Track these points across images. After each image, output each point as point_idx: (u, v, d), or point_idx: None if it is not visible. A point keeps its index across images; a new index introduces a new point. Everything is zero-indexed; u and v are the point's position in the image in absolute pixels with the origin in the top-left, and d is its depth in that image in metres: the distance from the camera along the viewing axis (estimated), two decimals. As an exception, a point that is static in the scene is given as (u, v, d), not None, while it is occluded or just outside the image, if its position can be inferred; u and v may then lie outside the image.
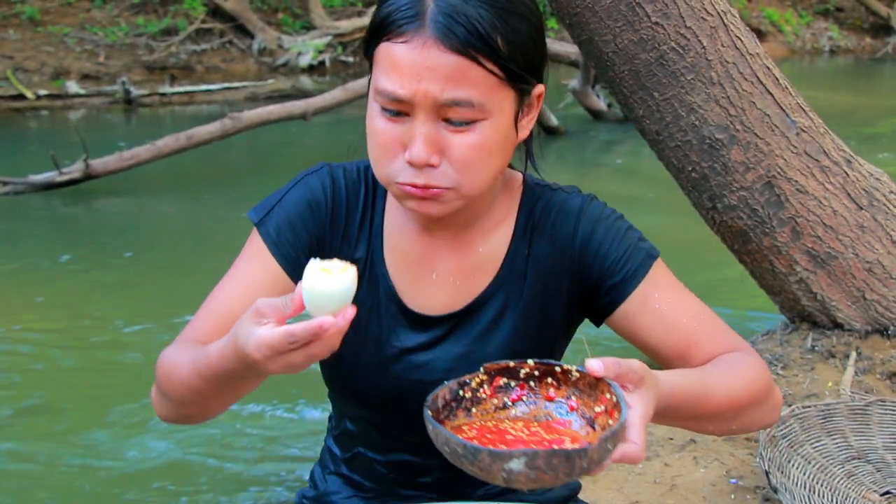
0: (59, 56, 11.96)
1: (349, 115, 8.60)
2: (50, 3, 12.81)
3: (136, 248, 5.92)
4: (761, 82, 2.88)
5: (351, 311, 1.03)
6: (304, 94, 10.11)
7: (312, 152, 8.23)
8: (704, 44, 2.81)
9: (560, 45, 8.72)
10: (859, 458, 2.26)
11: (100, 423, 3.60)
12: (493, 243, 1.36)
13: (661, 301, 1.32)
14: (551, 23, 12.16)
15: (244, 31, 13.15)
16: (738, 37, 2.86)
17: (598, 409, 1.09)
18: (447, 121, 1.18)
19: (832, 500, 2.09)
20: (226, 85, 11.51)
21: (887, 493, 2.13)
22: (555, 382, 1.14)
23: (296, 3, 14.11)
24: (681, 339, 1.32)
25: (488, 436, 1.10)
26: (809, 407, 2.37)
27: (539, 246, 1.35)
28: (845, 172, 2.99)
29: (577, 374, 1.12)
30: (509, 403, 1.15)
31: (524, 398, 1.15)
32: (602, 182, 7.45)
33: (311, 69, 12.79)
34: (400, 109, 1.19)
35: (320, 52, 12.98)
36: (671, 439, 2.58)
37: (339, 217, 1.36)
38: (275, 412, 3.61)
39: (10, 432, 3.60)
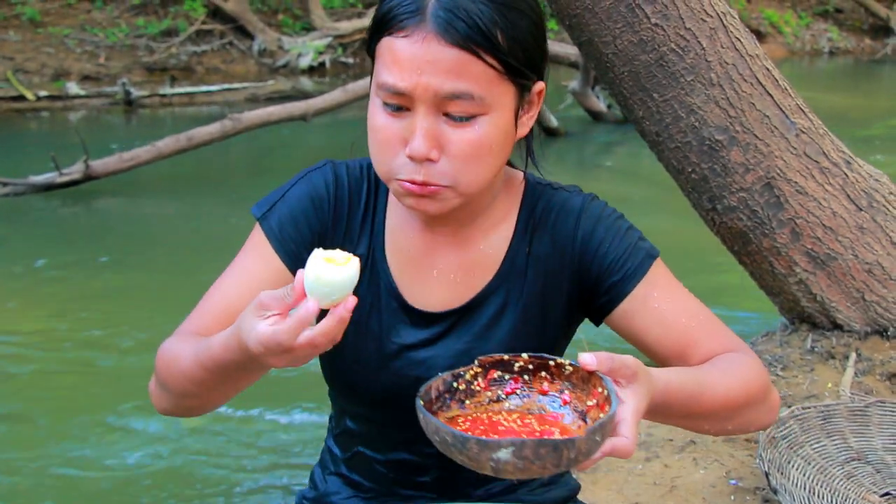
0: (60, 57, 11.96)
1: (349, 117, 8.61)
2: (50, 5, 12.82)
3: (136, 249, 5.92)
4: (761, 84, 2.88)
5: (352, 301, 1.04)
6: (305, 95, 10.12)
7: (312, 153, 8.23)
8: (704, 45, 2.81)
9: (560, 46, 8.73)
10: (859, 460, 2.26)
11: (94, 428, 3.58)
12: (494, 241, 1.37)
13: (659, 300, 1.32)
14: (551, 24, 12.17)
15: (244, 33, 13.16)
16: (737, 38, 2.86)
17: (590, 403, 1.10)
18: (447, 116, 1.19)
19: (832, 502, 2.09)
20: (226, 86, 11.51)
21: (887, 494, 2.13)
22: (548, 376, 1.15)
23: (296, 4, 14.12)
24: (679, 338, 1.32)
25: (481, 427, 1.11)
26: (809, 408, 2.37)
27: (540, 244, 1.36)
28: (845, 174, 3.00)
29: (571, 369, 1.13)
30: (503, 396, 1.16)
31: (518, 391, 1.16)
32: (602, 183, 7.45)
33: (311, 70, 12.80)
34: (400, 104, 1.20)
35: (320, 53, 12.99)
36: (671, 440, 2.58)
37: (342, 213, 1.36)
38: (268, 416, 3.60)
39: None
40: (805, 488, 2.11)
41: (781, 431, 2.26)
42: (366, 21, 13.13)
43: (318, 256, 1.05)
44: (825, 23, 17.14)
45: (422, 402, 1.08)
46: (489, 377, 1.17)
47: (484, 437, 0.99)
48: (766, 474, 2.12)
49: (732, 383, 1.27)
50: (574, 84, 9.14)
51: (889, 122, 9.78)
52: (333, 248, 1.28)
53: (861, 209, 2.99)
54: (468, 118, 1.19)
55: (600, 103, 9.31)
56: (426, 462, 1.40)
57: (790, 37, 16.44)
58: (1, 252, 5.77)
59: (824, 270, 3.01)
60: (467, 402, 1.15)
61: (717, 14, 2.82)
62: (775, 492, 2.09)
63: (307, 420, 3.58)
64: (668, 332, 1.32)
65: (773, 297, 3.23)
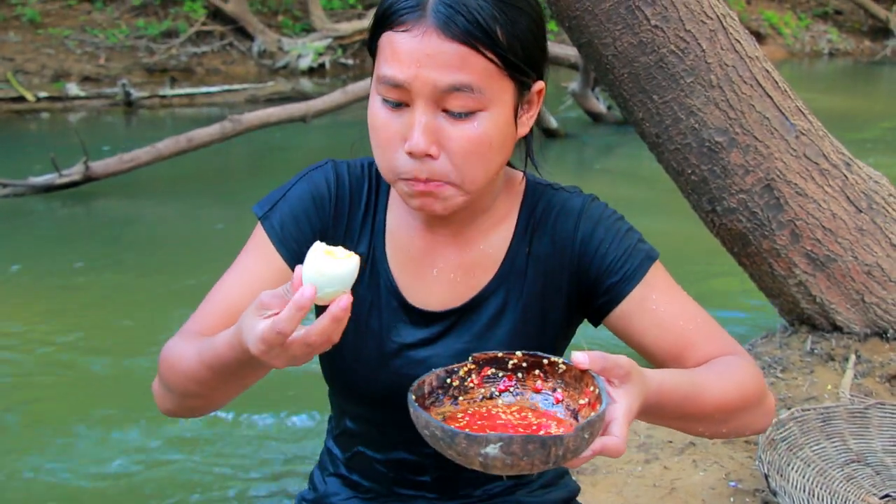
0: (60, 58, 11.97)
1: (349, 118, 8.61)
2: (50, 6, 12.82)
3: (136, 251, 5.92)
4: (760, 85, 2.88)
5: (346, 300, 1.03)
6: (304, 96, 10.12)
7: (312, 154, 8.22)
8: (704, 47, 2.81)
9: (560, 47, 8.73)
10: (858, 462, 2.26)
11: (92, 431, 3.56)
12: (494, 241, 1.37)
13: (658, 303, 1.33)
14: (551, 25, 12.18)
15: (244, 34, 13.16)
16: (737, 40, 2.86)
17: (581, 402, 1.10)
18: (447, 112, 1.20)
19: None
20: (226, 87, 11.51)
21: (887, 496, 2.13)
22: (542, 374, 1.16)
23: (296, 5, 14.12)
24: (676, 341, 1.32)
25: (479, 422, 1.12)
26: (809, 410, 2.37)
27: (540, 244, 1.36)
28: (844, 175, 3.00)
29: (564, 367, 1.14)
30: (496, 393, 1.17)
31: (511, 389, 1.17)
32: (601, 184, 7.45)
33: (311, 71, 12.80)
34: (399, 99, 1.20)
35: (320, 54, 12.99)
36: (670, 442, 2.58)
37: (342, 212, 1.37)
38: (266, 419, 3.59)
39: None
40: (805, 490, 2.11)
41: (781, 433, 2.26)
42: (365, 22, 13.13)
43: (319, 249, 1.05)
44: (825, 24, 17.15)
45: (414, 398, 1.08)
46: (483, 374, 1.18)
47: (473, 433, 1.00)
48: (766, 476, 2.12)
49: (728, 386, 1.28)
50: (574, 85, 9.14)
51: (888, 123, 9.77)
52: (334, 246, 1.28)
53: (861, 211, 2.99)
54: (468, 114, 1.20)
55: (600, 105, 9.31)
56: (425, 462, 1.41)
57: (790, 38, 16.45)
58: (0, 254, 5.77)
59: (824, 272, 3.01)
60: (460, 398, 1.16)
61: (717, 16, 2.83)
62: (775, 494, 2.09)
63: (304, 424, 3.57)
64: (666, 335, 1.32)
65: (772, 299, 3.23)
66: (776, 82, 2.93)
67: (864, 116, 10.12)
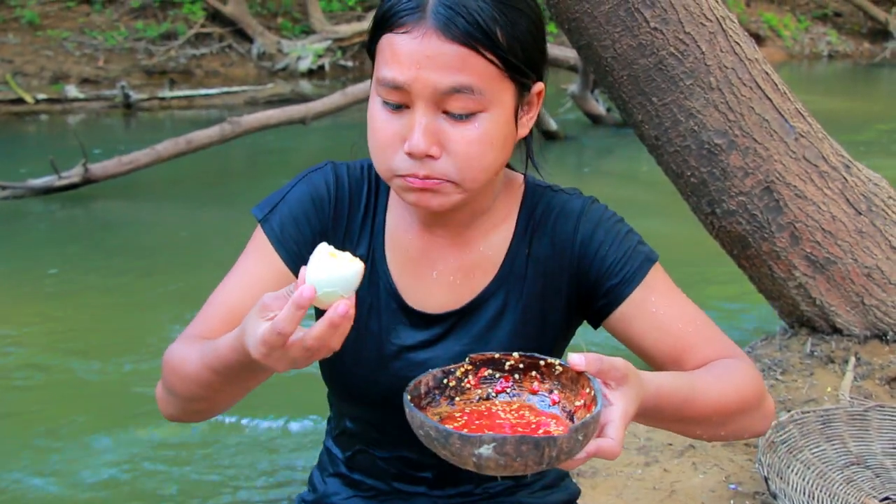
0: (59, 60, 11.97)
1: (348, 120, 8.61)
2: (49, 8, 12.82)
3: (135, 252, 5.92)
4: (760, 87, 2.88)
5: (343, 306, 1.02)
6: (304, 98, 10.12)
7: (312, 157, 8.23)
8: (703, 49, 2.81)
9: (559, 49, 8.73)
10: (858, 464, 2.26)
11: (89, 435, 3.54)
12: (493, 243, 1.37)
13: (657, 305, 1.33)
14: (550, 27, 12.16)
15: (244, 36, 13.17)
16: (736, 42, 2.86)
17: (577, 404, 1.10)
18: (447, 114, 1.20)
19: (831, 506, 2.09)
20: (225, 89, 11.51)
21: (886, 498, 2.12)
22: (539, 376, 1.16)
23: (295, 7, 14.13)
24: (675, 343, 1.32)
25: (478, 421, 1.12)
26: (808, 412, 2.37)
27: (539, 246, 1.36)
28: (844, 177, 3.00)
29: (561, 369, 1.14)
30: (493, 394, 1.17)
31: (508, 390, 1.17)
32: (600, 186, 7.45)
33: (310, 73, 12.80)
34: (400, 101, 1.20)
35: (320, 56, 12.99)
36: (670, 445, 2.58)
37: (342, 213, 1.37)
38: (263, 422, 3.58)
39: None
40: (804, 493, 2.11)
41: (781, 436, 2.26)
42: (365, 24, 13.13)
43: (323, 250, 1.04)
44: (824, 26, 17.16)
45: (409, 398, 1.08)
46: (480, 375, 1.18)
47: (466, 433, 1.00)
48: (766, 479, 2.12)
49: (726, 389, 1.27)
50: (573, 87, 9.15)
51: (888, 125, 9.78)
52: (336, 248, 1.28)
53: (860, 213, 2.99)
54: (468, 115, 1.20)
55: (599, 107, 9.31)
56: (426, 459, 1.41)
57: (789, 40, 16.46)
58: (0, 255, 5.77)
59: (823, 274, 3.01)
60: (457, 399, 1.17)
61: (717, 18, 2.83)
62: (775, 496, 2.09)
63: (302, 428, 3.56)
64: (665, 337, 1.32)
65: (772, 301, 3.23)
66: (776, 84, 2.93)
67: (864, 118, 10.12)
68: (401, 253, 1.37)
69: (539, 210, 1.38)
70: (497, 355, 1.17)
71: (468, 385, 1.17)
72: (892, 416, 2.36)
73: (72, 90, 11.06)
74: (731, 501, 2.33)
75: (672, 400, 1.20)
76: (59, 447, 3.48)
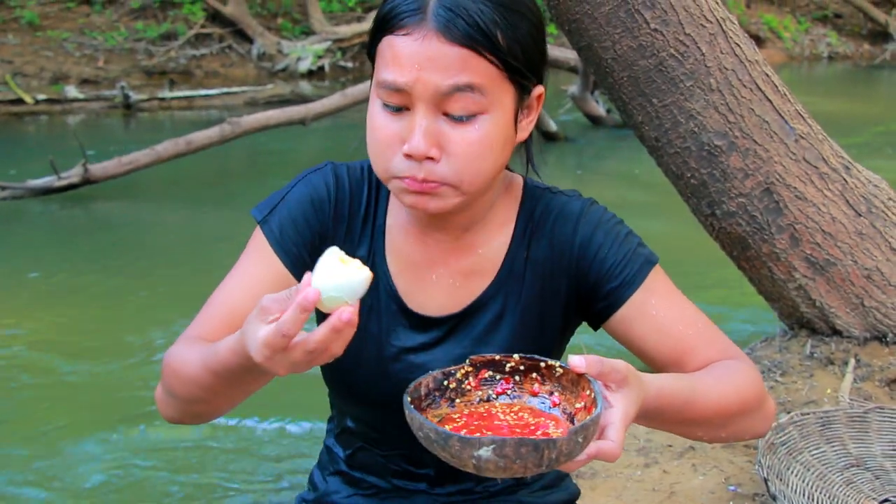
0: (59, 61, 11.97)
1: (348, 121, 8.61)
2: (49, 8, 12.82)
3: (135, 253, 5.92)
4: (760, 89, 2.88)
5: (347, 312, 1.01)
6: (304, 99, 10.13)
7: (311, 157, 8.23)
8: (703, 50, 2.81)
9: (559, 50, 8.73)
10: (858, 466, 2.26)
11: (65, 442, 3.53)
12: (492, 245, 1.37)
13: (657, 307, 1.32)
14: (550, 28, 12.16)
15: (243, 36, 13.17)
16: (737, 43, 2.86)
17: (578, 406, 1.10)
18: (448, 116, 1.20)
19: (831, 508, 2.09)
20: (225, 90, 11.51)
21: (886, 500, 2.12)
22: (539, 378, 1.16)
23: (295, 8, 14.13)
24: (676, 345, 1.32)
25: (476, 422, 1.12)
26: (808, 414, 2.37)
27: (538, 248, 1.36)
28: (844, 179, 3.00)
29: (561, 371, 1.14)
30: (493, 396, 1.17)
31: (508, 392, 1.17)
32: (600, 188, 7.45)
33: (310, 74, 12.80)
34: (400, 103, 1.20)
35: (320, 57, 12.99)
36: (670, 446, 2.58)
37: (343, 214, 1.37)
38: (261, 424, 3.57)
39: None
40: (804, 494, 2.10)
41: (780, 437, 2.25)
42: (365, 25, 13.14)
43: (333, 254, 1.03)
44: (824, 28, 17.16)
45: (409, 399, 1.08)
46: (480, 377, 1.18)
47: (466, 435, 1.00)
48: (765, 480, 2.12)
49: (727, 391, 1.27)
50: (573, 89, 9.15)
51: (888, 127, 9.78)
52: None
53: (860, 215, 2.99)
54: (469, 117, 1.20)
55: (599, 108, 9.32)
56: (427, 458, 1.40)
57: (789, 42, 16.46)
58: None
59: (823, 276, 3.01)
60: (457, 400, 1.16)
61: (717, 19, 2.83)
62: (774, 498, 2.09)
63: (301, 427, 3.56)
64: (666, 340, 1.32)
65: (772, 303, 3.22)
66: (776, 86, 2.93)
67: (864, 120, 10.12)
68: (401, 255, 1.37)
69: (538, 212, 1.37)
70: (497, 357, 1.17)
71: (469, 387, 1.17)
72: (892, 417, 2.36)
73: (71, 91, 11.06)
74: (731, 503, 2.33)
75: (673, 402, 1.19)
76: (56, 449, 3.47)
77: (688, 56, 2.81)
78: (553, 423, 1.11)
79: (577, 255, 1.34)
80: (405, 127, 1.21)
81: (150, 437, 3.48)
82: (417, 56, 1.17)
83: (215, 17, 13.19)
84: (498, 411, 1.14)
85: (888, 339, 3.04)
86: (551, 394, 1.14)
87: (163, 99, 11.13)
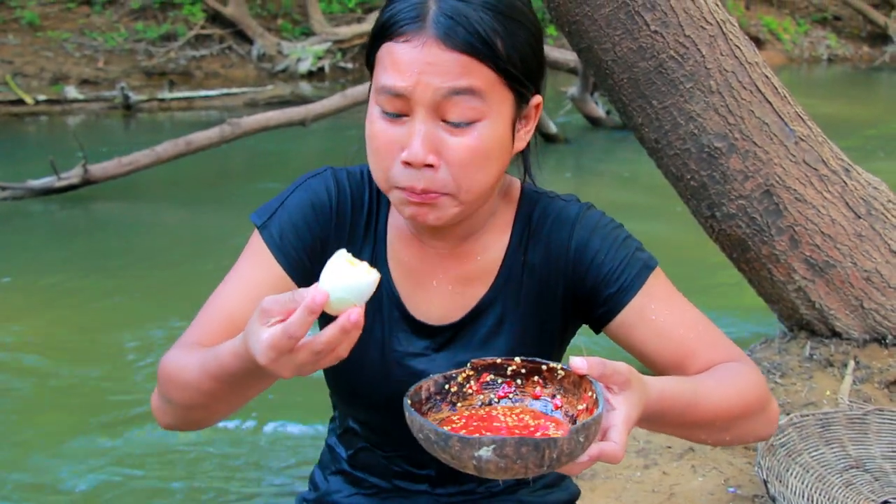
0: (59, 61, 11.97)
1: (348, 122, 8.61)
2: (49, 9, 12.82)
3: (135, 254, 5.92)
4: (760, 91, 2.88)
5: (355, 313, 1.01)
6: (304, 100, 10.13)
7: (311, 158, 8.24)
8: (703, 52, 2.81)
9: (559, 52, 8.74)
10: (857, 468, 2.26)
11: (83, 442, 3.52)
12: (490, 251, 1.37)
13: (657, 312, 1.32)
14: (550, 30, 12.16)
15: (243, 37, 13.17)
16: (737, 46, 2.86)
17: (580, 408, 1.10)
18: (446, 121, 1.20)
19: (830, 509, 2.09)
20: (225, 91, 11.51)
21: (885, 502, 2.12)
22: (541, 381, 1.16)
23: (295, 9, 14.13)
24: (677, 349, 1.32)
25: (476, 423, 1.12)
26: (808, 416, 2.37)
27: (534, 252, 1.36)
28: (843, 181, 3.00)
29: (563, 373, 1.14)
30: (495, 400, 1.17)
31: (510, 395, 1.17)
32: (600, 189, 7.46)
33: (310, 75, 12.80)
34: (399, 110, 1.20)
35: (320, 58, 12.99)
36: (669, 448, 2.58)
37: (344, 219, 1.37)
38: (259, 425, 3.56)
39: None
40: (804, 496, 2.11)
41: (780, 439, 2.26)
42: (365, 26, 13.14)
43: (342, 256, 1.03)
44: (823, 30, 17.17)
45: (410, 402, 1.08)
46: (482, 380, 1.17)
47: (466, 436, 1.00)
48: (765, 482, 2.12)
49: (729, 393, 1.27)
50: (573, 90, 9.15)
51: (887, 129, 9.78)
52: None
53: (860, 217, 2.99)
54: (467, 123, 1.20)
55: (599, 109, 9.32)
56: (427, 458, 1.41)
57: (789, 44, 16.46)
58: (-1, 256, 5.77)
59: (823, 278, 3.01)
60: (459, 404, 1.16)
61: (717, 21, 2.83)
62: (774, 500, 2.09)
63: (301, 428, 3.55)
64: (667, 344, 1.32)
65: (771, 305, 3.23)
66: (776, 88, 2.93)
67: (863, 122, 10.13)
68: (401, 261, 1.37)
69: (535, 217, 1.37)
70: (499, 360, 1.17)
71: (470, 390, 1.17)
72: (892, 419, 2.36)
73: (71, 91, 11.06)
74: (730, 504, 2.33)
75: (675, 405, 1.19)
76: (54, 452, 3.47)
77: (688, 58, 2.81)
78: (554, 425, 1.11)
79: (573, 259, 1.34)
80: (404, 134, 1.20)
81: (150, 439, 3.48)
82: (417, 62, 1.17)
83: (215, 17, 13.18)
84: (499, 413, 1.14)
85: (887, 340, 3.04)
86: (553, 396, 1.14)
87: (163, 100, 11.13)
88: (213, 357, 1.17)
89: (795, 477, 2.16)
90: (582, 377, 1.10)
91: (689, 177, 2.97)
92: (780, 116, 2.91)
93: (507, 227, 1.37)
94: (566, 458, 1.00)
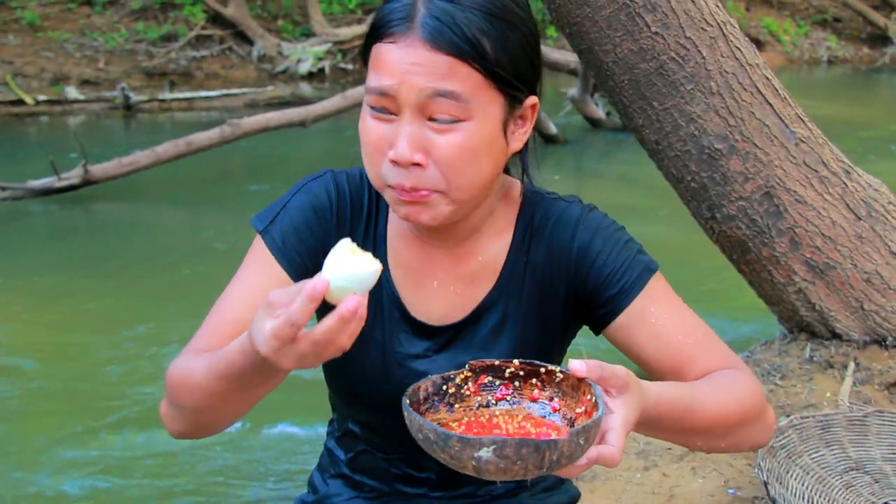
0: (59, 62, 11.97)
1: (348, 123, 8.60)
2: (50, 9, 12.82)
3: (135, 254, 5.92)
4: (760, 93, 2.88)
5: (353, 301, 1.00)
6: (304, 101, 10.13)
7: (312, 159, 8.24)
8: (704, 54, 2.81)
9: (559, 53, 8.74)
10: (857, 469, 2.26)
11: (83, 444, 3.51)
12: (492, 252, 1.37)
13: (657, 315, 1.32)
14: (550, 31, 12.16)
15: (244, 38, 13.17)
16: (737, 47, 2.86)
17: (578, 411, 1.10)
18: (433, 120, 1.20)
19: (830, 511, 2.09)
20: (225, 91, 11.51)
21: (885, 504, 2.13)
22: (539, 383, 1.16)
23: (296, 10, 14.13)
24: (675, 354, 1.32)
25: (476, 429, 1.12)
26: (808, 417, 2.37)
27: (536, 253, 1.36)
28: (844, 183, 3.00)
29: (561, 376, 1.14)
30: (492, 402, 1.17)
31: (508, 397, 1.17)
32: (600, 191, 7.46)
33: (310, 76, 12.81)
34: (386, 106, 1.21)
35: (320, 59, 13.00)
36: (669, 449, 2.58)
37: (345, 221, 1.37)
38: (259, 427, 3.55)
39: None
40: (804, 498, 2.10)
41: (780, 441, 2.25)
42: (365, 27, 13.12)
43: (345, 245, 1.03)
44: (824, 32, 17.16)
45: (408, 402, 1.08)
46: (479, 382, 1.17)
47: (466, 436, 0.99)
48: (765, 484, 2.12)
49: (727, 400, 1.27)
50: (573, 91, 9.15)
51: (888, 130, 9.78)
52: None
53: (860, 218, 2.99)
54: (452, 122, 1.20)
55: (599, 111, 9.32)
56: (428, 462, 1.41)
57: (789, 45, 16.46)
58: (-1, 256, 5.77)
59: (823, 280, 3.01)
60: (456, 405, 1.16)
61: (718, 23, 2.83)
62: (774, 501, 2.08)
63: (300, 430, 3.55)
64: (665, 348, 1.32)
65: (771, 306, 3.22)
66: (776, 90, 2.93)
67: (864, 124, 10.12)
68: (402, 262, 1.38)
69: (537, 218, 1.37)
70: (497, 362, 1.17)
71: (468, 392, 1.17)
72: (892, 421, 2.36)
73: (72, 92, 11.07)
74: (730, 506, 2.33)
75: (672, 410, 1.19)
76: (54, 452, 3.47)
77: (688, 59, 2.81)
78: (555, 432, 1.11)
79: (574, 260, 1.34)
80: (393, 132, 1.21)
81: (149, 442, 3.48)
82: (403, 62, 1.18)
83: (216, 18, 13.19)
84: (499, 421, 1.14)
85: (888, 342, 3.04)
86: (551, 399, 1.14)
87: (163, 100, 11.14)
88: (221, 356, 1.17)
89: (795, 479, 2.16)
90: (580, 380, 1.09)
91: (689, 178, 2.97)
92: (780, 118, 2.91)
93: (508, 227, 1.37)
94: (566, 461, 1.00)
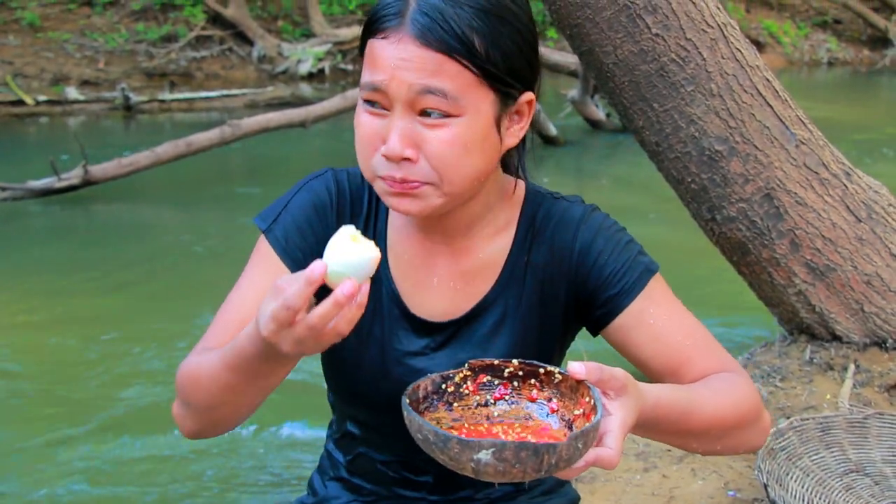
0: (59, 62, 11.97)
1: (348, 123, 8.52)
2: (50, 10, 12.83)
3: (134, 255, 5.92)
4: (761, 94, 2.88)
5: (349, 286, 1.02)
6: (304, 101, 10.12)
7: (312, 160, 8.23)
8: (704, 56, 2.81)
9: (559, 55, 8.74)
10: (857, 472, 2.26)
11: (82, 447, 3.51)
12: (493, 250, 1.37)
13: (656, 317, 1.32)
14: (551, 32, 12.17)
15: (244, 39, 13.18)
16: (738, 49, 2.86)
17: (576, 412, 1.10)
18: (424, 115, 1.20)
19: (830, 514, 2.09)
20: (225, 92, 11.52)
21: (885, 506, 2.12)
22: (538, 384, 1.16)
23: (296, 10, 14.14)
24: (673, 356, 1.32)
25: (469, 426, 1.13)
26: (808, 419, 2.37)
27: (538, 253, 1.36)
28: (844, 185, 3.00)
29: (560, 377, 1.14)
30: (491, 401, 1.17)
31: (506, 397, 1.17)
32: (600, 192, 7.46)
33: (310, 77, 12.81)
34: (379, 101, 1.22)
35: (320, 59, 13.00)
36: (669, 451, 2.57)
37: (345, 219, 1.38)
38: (259, 429, 3.55)
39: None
40: (804, 500, 2.10)
41: (780, 443, 2.25)
42: (365, 27, 13.14)
43: (346, 231, 1.05)
44: (824, 33, 17.17)
45: (408, 401, 1.08)
46: (478, 381, 1.18)
47: (466, 437, 1.00)
48: (765, 486, 2.12)
49: (724, 403, 1.27)
50: (573, 93, 9.15)
51: (888, 132, 9.79)
52: None
53: (860, 220, 2.99)
54: (443, 116, 1.20)
55: (599, 112, 9.32)
56: (427, 464, 1.41)
57: (789, 47, 16.47)
58: (-1, 257, 5.77)
59: (823, 282, 3.01)
60: (455, 404, 1.16)
61: (718, 25, 2.83)
62: (774, 503, 2.08)
63: (300, 431, 3.54)
64: (663, 349, 1.32)
65: (772, 308, 3.22)
66: (777, 91, 2.93)
67: (865, 125, 10.13)
68: (402, 259, 1.38)
69: (539, 217, 1.37)
70: (496, 362, 1.17)
71: (466, 391, 1.17)
72: (892, 423, 2.36)
73: (72, 92, 11.07)
74: (730, 508, 2.33)
75: (670, 413, 1.19)
76: (53, 453, 3.47)
77: (689, 61, 2.81)
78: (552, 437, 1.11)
79: (576, 261, 1.34)
80: (385, 126, 1.22)
81: (149, 444, 3.47)
82: (393, 58, 1.19)
83: (216, 19, 13.20)
84: (500, 430, 1.14)
85: (888, 344, 3.04)
86: (549, 400, 1.14)
87: (163, 101, 11.15)
88: (230, 346, 1.18)
89: (795, 481, 2.16)
90: (579, 382, 1.10)
91: (689, 180, 2.97)
92: (780, 120, 2.91)
93: (510, 226, 1.38)
94: (564, 464, 1.00)
